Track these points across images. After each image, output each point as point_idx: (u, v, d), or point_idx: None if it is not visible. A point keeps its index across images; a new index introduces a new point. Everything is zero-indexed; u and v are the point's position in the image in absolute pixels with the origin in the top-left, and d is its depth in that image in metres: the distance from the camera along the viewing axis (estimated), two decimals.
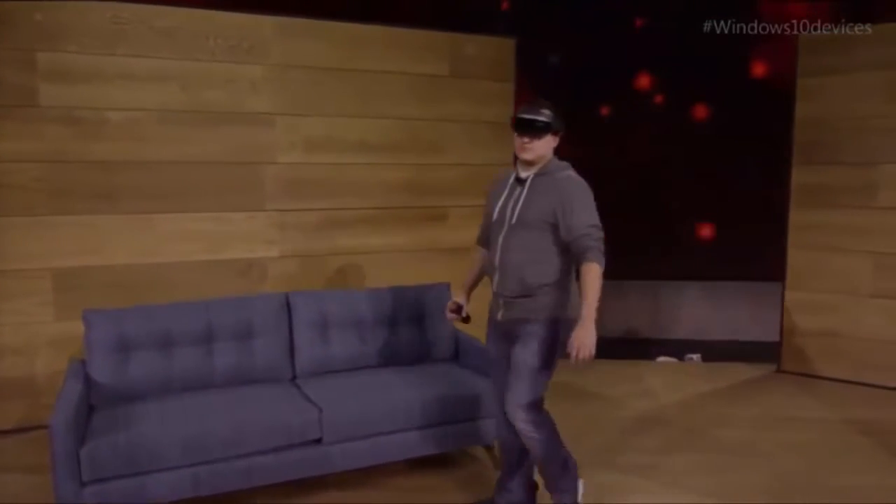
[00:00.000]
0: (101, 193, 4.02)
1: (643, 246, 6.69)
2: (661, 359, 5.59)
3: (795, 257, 5.04)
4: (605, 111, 7.13)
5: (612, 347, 5.99)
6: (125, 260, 4.11)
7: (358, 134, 4.64)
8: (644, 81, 7.07)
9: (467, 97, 4.94)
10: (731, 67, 6.61)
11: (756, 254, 6.12)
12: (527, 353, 2.74)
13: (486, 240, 2.96)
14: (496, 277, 2.80)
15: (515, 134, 2.72)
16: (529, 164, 2.76)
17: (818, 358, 5.00)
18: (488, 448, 3.47)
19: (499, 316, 2.83)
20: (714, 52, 6.48)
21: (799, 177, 4.97)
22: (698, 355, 5.57)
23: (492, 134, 5.04)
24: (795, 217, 5.01)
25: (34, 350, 3.97)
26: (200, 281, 4.25)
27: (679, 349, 5.77)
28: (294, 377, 3.47)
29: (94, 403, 3.09)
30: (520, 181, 2.77)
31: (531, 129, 2.70)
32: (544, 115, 2.71)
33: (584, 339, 2.54)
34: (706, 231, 6.83)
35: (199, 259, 4.27)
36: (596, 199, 2.77)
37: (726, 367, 5.30)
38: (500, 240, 2.77)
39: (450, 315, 2.99)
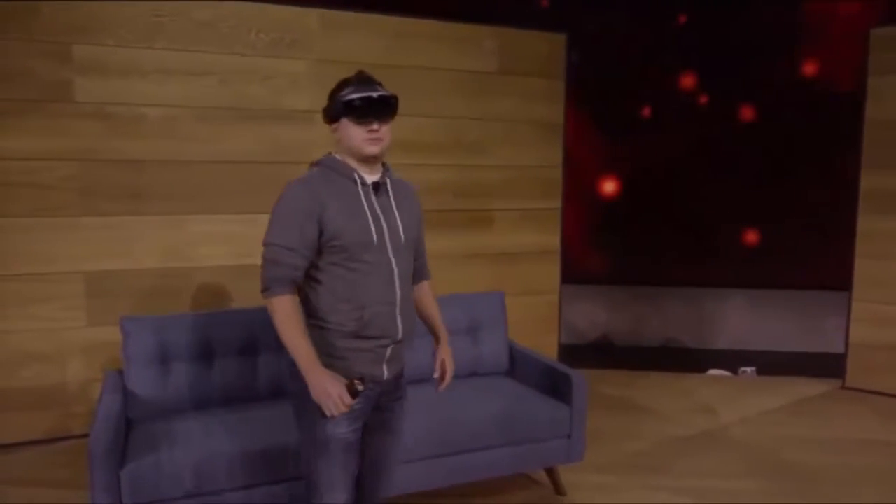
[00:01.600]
0: (133, 193, 3.85)
1: (687, 251, 6.45)
2: (713, 371, 5.32)
3: (863, 266, 4.75)
4: (646, 111, 6.90)
5: (655, 357, 5.75)
6: (158, 263, 3.93)
7: (401, 133, 4.32)
8: (688, 81, 6.82)
9: (515, 95, 4.71)
10: (781, 66, 6.35)
11: (813, 261, 5.86)
12: (404, 418, 2.24)
13: (296, 281, 2.00)
14: (397, 319, 2.07)
15: (350, 120, 2.00)
16: (373, 162, 2.07)
17: (887, 374, 4.70)
18: (549, 471, 3.23)
19: (384, 374, 2.10)
20: (763, 50, 6.23)
21: (868, 182, 4.67)
22: (753, 368, 5.29)
23: (541, 134, 4.83)
24: (864, 224, 4.71)
25: (65, 357, 3.80)
26: (237, 286, 4.06)
27: (729, 361, 5.49)
28: None
29: (133, 417, 2.89)
30: (372, 187, 2.06)
31: (384, 112, 2.01)
32: (389, 92, 2.04)
33: (451, 359, 2.28)
34: (756, 237, 6.56)
35: (237, 263, 4.07)
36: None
37: (785, 382, 5.01)
38: (395, 269, 2.05)
39: (348, 403, 1.94)
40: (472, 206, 4.69)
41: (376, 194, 2.06)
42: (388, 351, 2.07)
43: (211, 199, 4.02)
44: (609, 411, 4.34)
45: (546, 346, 4.82)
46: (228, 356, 3.09)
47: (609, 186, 6.88)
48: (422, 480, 2.90)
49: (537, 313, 4.92)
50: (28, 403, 3.74)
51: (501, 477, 3.16)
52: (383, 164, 2.12)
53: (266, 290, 1.97)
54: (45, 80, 3.62)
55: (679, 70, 6.67)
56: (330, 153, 2.11)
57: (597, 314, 6.45)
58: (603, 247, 6.66)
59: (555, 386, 3.21)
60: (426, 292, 2.32)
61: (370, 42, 4.27)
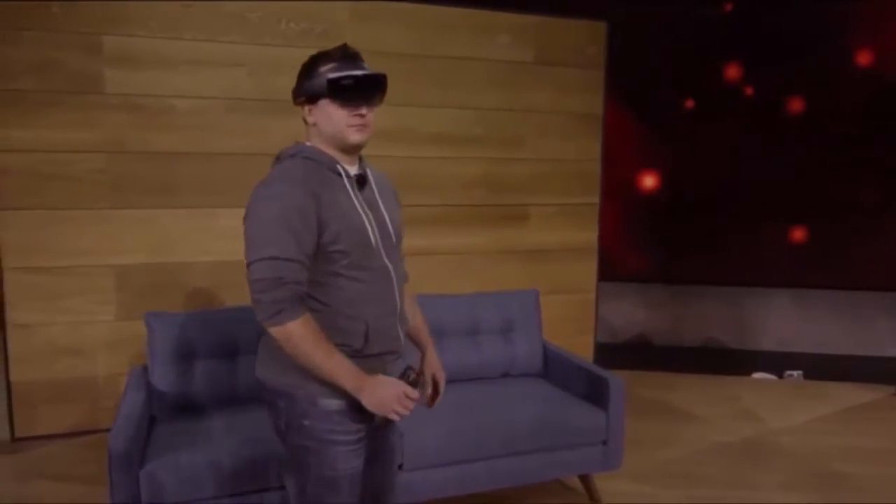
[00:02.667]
0: (163, 186, 3.80)
1: (730, 248, 6.21)
2: (758, 375, 5.10)
3: None
4: (689, 103, 6.65)
5: (695, 359, 5.54)
6: (187, 257, 3.88)
7: (434, 126, 4.31)
8: (733, 72, 6.56)
9: (552, 86, 4.55)
10: (832, 56, 6.05)
11: (864, 260, 5.58)
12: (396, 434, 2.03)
13: (304, 299, 1.69)
14: (399, 329, 1.84)
15: (333, 102, 1.72)
16: (355, 152, 1.81)
17: None
18: (584, 478, 3.09)
19: None
20: (813, 39, 5.95)
21: None
22: (799, 372, 5.06)
23: (579, 126, 4.66)
24: None
25: (94, 351, 3.77)
26: None
27: (774, 363, 5.26)
28: None
29: (156, 414, 2.84)
30: (357, 179, 1.80)
31: (373, 93, 1.76)
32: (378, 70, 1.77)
33: (442, 370, 2.00)
34: (803, 234, 6.29)
35: None
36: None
37: (834, 387, 4.78)
38: (391, 270, 1.82)
39: (415, 398, 1.74)
40: (507, 201, 4.55)
41: (360, 188, 1.80)
42: (388, 366, 1.83)
43: (241, 193, 3.89)
44: (646, 415, 4.18)
45: (581, 346, 4.67)
46: (253, 353, 3.00)
47: (649, 181, 6.66)
48: (451, 486, 2.79)
49: (573, 312, 4.77)
50: (58, 396, 3.73)
51: (534, 483, 3.04)
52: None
53: (277, 314, 1.63)
54: (76, 72, 3.59)
55: (724, 60, 6.40)
56: (298, 143, 1.84)
57: (634, 313, 6.26)
58: (641, 243, 6.46)
59: (591, 389, 3.07)
60: (410, 296, 2.01)
61: (402, 32, 4.16)
